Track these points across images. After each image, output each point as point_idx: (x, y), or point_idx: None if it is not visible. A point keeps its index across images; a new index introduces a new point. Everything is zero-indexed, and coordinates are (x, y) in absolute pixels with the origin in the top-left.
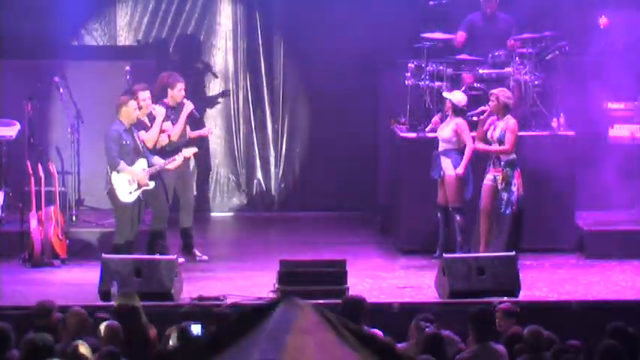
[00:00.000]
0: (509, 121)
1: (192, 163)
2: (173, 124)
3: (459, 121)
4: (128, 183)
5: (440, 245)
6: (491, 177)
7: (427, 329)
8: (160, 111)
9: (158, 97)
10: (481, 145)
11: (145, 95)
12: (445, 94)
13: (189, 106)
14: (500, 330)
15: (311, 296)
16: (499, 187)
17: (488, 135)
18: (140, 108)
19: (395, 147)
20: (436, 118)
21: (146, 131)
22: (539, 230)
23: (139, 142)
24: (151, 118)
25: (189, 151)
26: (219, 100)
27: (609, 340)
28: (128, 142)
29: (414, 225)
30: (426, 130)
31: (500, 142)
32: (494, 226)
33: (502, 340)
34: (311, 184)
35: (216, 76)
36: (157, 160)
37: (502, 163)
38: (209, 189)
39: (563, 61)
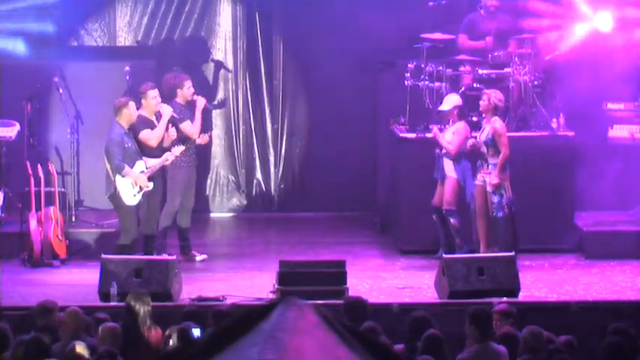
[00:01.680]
0: (495, 123)
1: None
2: (191, 122)
3: (459, 124)
4: (132, 186)
5: (442, 245)
6: (481, 178)
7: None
8: (166, 110)
9: (166, 100)
10: (490, 159)
11: (155, 93)
12: (445, 106)
13: (201, 102)
14: (497, 330)
15: (311, 297)
16: (488, 189)
17: (478, 137)
18: (141, 107)
19: (395, 147)
20: (435, 130)
21: (152, 130)
22: (539, 230)
23: (136, 145)
24: (159, 117)
25: (178, 150)
26: (217, 107)
27: (613, 337)
28: (130, 145)
29: (414, 225)
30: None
31: (487, 145)
32: (491, 228)
33: (496, 340)
34: (311, 184)
35: (227, 69)
36: (150, 162)
37: (489, 166)
38: (209, 190)
39: (564, 61)
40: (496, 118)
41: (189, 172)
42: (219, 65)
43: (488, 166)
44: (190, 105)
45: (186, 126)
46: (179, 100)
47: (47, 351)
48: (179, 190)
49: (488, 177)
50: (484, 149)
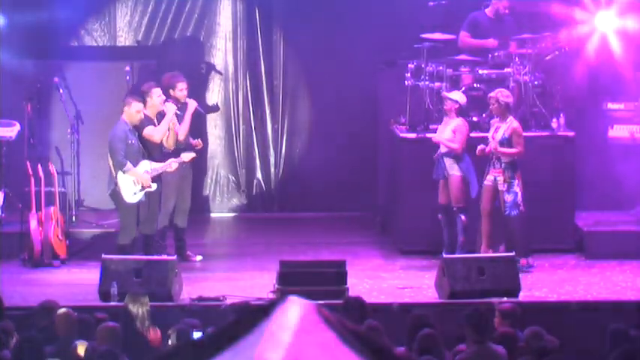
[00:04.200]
0: (513, 123)
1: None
2: (179, 123)
3: (458, 121)
4: (133, 184)
5: (446, 246)
6: (491, 178)
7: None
8: (170, 107)
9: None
10: (499, 148)
11: (159, 91)
12: (448, 94)
13: (192, 104)
14: (499, 330)
15: (311, 297)
16: (500, 188)
17: (489, 136)
18: (145, 107)
19: (395, 147)
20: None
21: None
22: (539, 230)
23: (140, 144)
24: (160, 117)
25: (188, 156)
26: (212, 110)
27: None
28: (133, 142)
29: (414, 225)
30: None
31: (502, 144)
32: (495, 228)
33: (495, 340)
34: (311, 184)
35: (221, 73)
36: (155, 164)
37: (503, 164)
38: (209, 190)
39: (563, 61)
40: (511, 117)
41: (182, 173)
42: (219, 66)
43: (501, 165)
44: (182, 107)
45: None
46: (171, 101)
47: (41, 352)
48: (172, 191)
49: (500, 176)
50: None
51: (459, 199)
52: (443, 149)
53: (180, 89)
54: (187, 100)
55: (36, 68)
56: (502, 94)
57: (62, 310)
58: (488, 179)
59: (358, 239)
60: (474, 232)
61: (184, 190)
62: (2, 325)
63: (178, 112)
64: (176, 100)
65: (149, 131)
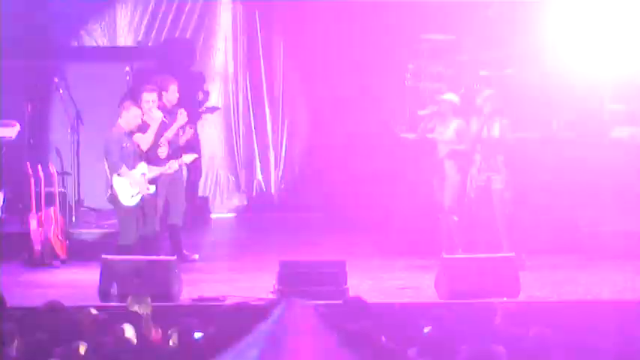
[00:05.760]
0: (503, 118)
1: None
2: (167, 127)
3: (460, 121)
4: (129, 187)
5: (445, 246)
6: (484, 177)
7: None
8: (156, 115)
9: None
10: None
11: (148, 97)
12: (442, 96)
13: (182, 119)
14: (501, 330)
15: (311, 297)
16: (497, 186)
17: (484, 134)
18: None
19: (395, 147)
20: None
21: (143, 133)
22: (539, 230)
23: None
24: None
25: (190, 158)
26: (210, 111)
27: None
28: (128, 145)
29: (414, 225)
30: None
31: (501, 141)
32: (494, 227)
33: (504, 340)
34: (311, 184)
35: (220, 73)
36: (153, 167)
37: (499, 162)
38: (209, 190)
39: (563, 61)
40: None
41: (172, 175)
42: (219, 66)
43: (497, 163)
44: (173, 110)
45: (167, 134)
46: (164, 103)
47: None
48: (162, 193)
49: (497, 175)
50: (493, 148)
51: (452, 201)
52: (444, 150)
53: (172, 91)
54: (180, 110)
55: (36, 68)
56: (495, 95)
57: (89, 311)
58: (481, 179)
59: (358, 239)
60: (474, 232)
61: (177, 192)
62: (4, 326)
63: (165, 120)
64: (164, 106)
65: (136, 138)
